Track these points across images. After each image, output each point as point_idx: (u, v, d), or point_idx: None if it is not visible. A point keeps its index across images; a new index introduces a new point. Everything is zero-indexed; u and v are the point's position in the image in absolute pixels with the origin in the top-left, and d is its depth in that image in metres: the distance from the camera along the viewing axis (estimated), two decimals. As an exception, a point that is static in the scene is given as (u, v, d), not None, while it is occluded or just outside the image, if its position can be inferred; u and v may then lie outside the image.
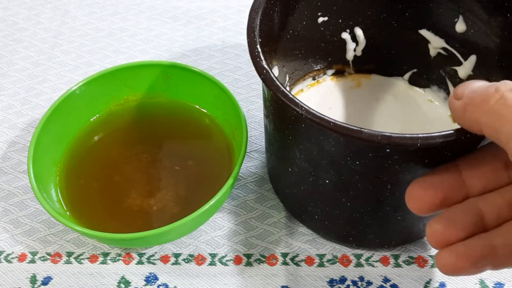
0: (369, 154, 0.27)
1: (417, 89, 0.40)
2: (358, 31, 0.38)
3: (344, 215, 0.33)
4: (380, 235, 0.34)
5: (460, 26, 0.34)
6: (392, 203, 0.30)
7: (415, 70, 0.39)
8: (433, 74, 0.38)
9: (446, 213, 0.24)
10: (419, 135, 0.24)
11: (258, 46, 0.28)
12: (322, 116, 0.25)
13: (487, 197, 0.24)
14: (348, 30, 0.38)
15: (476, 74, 0.35)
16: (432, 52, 0.37)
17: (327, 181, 0.30)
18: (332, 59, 0.40)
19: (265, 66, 0.28)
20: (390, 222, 0.32)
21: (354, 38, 0.38)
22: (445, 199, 0.24)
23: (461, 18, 0.34)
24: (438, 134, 0.24)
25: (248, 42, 0.29)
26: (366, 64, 0.40)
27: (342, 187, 0.30)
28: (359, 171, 0.28)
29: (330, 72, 0.40)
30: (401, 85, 0.40)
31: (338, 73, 0.41)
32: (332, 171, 0.30)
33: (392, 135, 0.24)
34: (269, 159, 0.37)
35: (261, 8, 0.30)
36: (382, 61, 0.40)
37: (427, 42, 0.37)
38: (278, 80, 0.27)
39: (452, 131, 0.24)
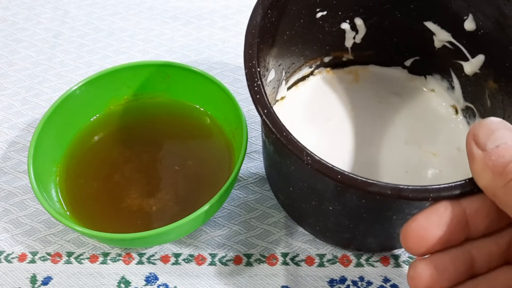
0: (376, 196, 0.26)
1: (418, 77, 0.38)
2: (359, 21, 0.36)
3: (346, 232, 0.32)
4: (382, 245, 0.34)
5: (469, 25, 0.32)
6: (397, 227, 0.29)
7: (417, 57, 0.38)
8: (436, 63, 0.37)
9: (434, 259, 0.23)
10: (430, 188, 0.23)
11: (259, 81, 0.25)
12: (329, 166, 0.23)
13: (482, 243, 0.23)
14: (348, 21, 0.36)
15: (484, 74, 0.33)
16: (437, 44, 0.35)
17: (330, 208, 0.30)
18: (330, 47, 0.38)
19: (267, 103, 0.25)
20: (393, 238, 0.32)
21: (354, 28, 0.37)
22: (447, 241, 0.22)
23: (471, 16, 0.32)
24: (450, 185, 0.23)
25: (247, 73, 0.26)
26: (365, 50, 0.38)
27: (345, 214, 0.30)
28: (364, 206, 0.28)
29: (327, 58, 0.39)
30: (401, 76, 0.39)
31: (335, 61, 0.39)
32: (336, 202, 0.29)
33: (402, 188, 0.23)
34: (267, 168, 0.36)
35: (258, 27, 0.28)
36: (382, 47, 0.38)
37: (432, 33, 0.35)
38: (281, 122, 0.24)
39: (464, 182, 0.23)
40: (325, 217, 0.32)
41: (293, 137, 0.24)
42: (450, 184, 0.23)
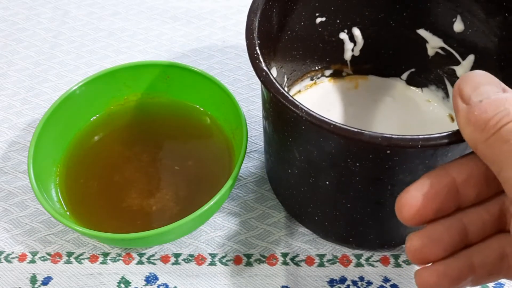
0: (369, 156, 0.27)
1: (415, 89, 0.40)
2: (356, 31, 0.38)
3: (344, 216, 0.33)
4: (380, 236, 0.34)
5: (458, 26, 0.34)
6: (392, 204, 0.30)
7: (413, 69, 0.39)
8: (431, 73, 0.38)
9: (429, 230, 0.23)
10: (420, 137, 0.24)
11: (257, 48, 0.28)
12: (322, 118, 0.25)
13: (473, 211, 0.23)
14: (346, 30, 0.38)
15: None
16: (430, 52, 0.37)
17: (327, 183, 0.30)
18: (330, 59, 0.40)
19: (265, 68, 0.27)
20: (390, 223, 0.32)
21: (352, 38, 0.38)
22: (439, 211, 0.23)
23: (459, 18, 0.34)
24: (439, 135, 0.24)
25: (247, 43, 0.29)
26: (364, 64, 0.40)
27: (342, 188, 0.30)
28: (359, 173, 0.28)
29: (328, 72, 0.40)
30: (398, 85, 0.40)
31: (336, 74, 0.41)
32: (332, 172, 0.29)
33: (393, 136, 0.24)
34: (268, 160, 0.37)
35: (260, 9, 0.30)
36: (380, 60, 0.40)
37: (425, 41, 0.37)
38: (277, 82, 0.27)
39: (451, 133, 0.24)
40: (323, 200, 0.32)
41: (289, 95, 0.26)
42: (438, 134, 0.24)
